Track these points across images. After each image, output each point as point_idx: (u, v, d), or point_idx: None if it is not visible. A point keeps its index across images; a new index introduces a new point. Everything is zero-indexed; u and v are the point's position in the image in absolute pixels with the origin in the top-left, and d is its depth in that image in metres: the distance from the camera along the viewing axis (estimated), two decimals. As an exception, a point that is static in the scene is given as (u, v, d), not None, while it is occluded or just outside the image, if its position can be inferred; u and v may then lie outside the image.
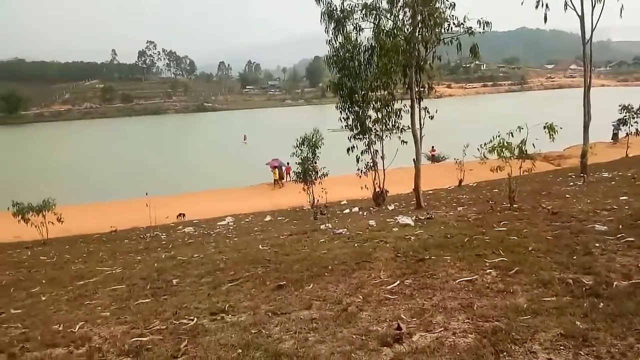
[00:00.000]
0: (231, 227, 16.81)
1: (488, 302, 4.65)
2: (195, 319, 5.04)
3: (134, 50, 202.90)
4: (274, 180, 32.18)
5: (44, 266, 11.20)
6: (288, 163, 32.44)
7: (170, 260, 9.10)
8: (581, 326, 3.86)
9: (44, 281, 8.63)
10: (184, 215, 22.94)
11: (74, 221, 18.22)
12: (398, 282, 5.51)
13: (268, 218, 18.64)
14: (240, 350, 4.03)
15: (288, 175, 32.87)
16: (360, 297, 5.16)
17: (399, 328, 4.05)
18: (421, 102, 15.56)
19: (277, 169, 32.44)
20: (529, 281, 5.14)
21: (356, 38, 16.97)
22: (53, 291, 7.52)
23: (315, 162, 21.18)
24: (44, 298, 7.12)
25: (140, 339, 4.60)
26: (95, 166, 46.63)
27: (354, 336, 4.13)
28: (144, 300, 6.18)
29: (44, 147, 70.26)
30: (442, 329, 4.12)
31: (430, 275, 5.64)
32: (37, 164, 49.88)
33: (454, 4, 14.70)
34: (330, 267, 6.53)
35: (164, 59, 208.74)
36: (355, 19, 16.45)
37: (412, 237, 7.93)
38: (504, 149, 10.94)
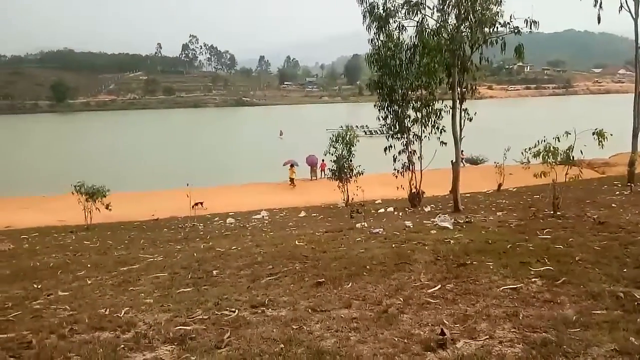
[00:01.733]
0: (266, 221, 16.97)
1: (534, 312, 4.53)
2: (237, 310, 5.10)
3: (178, 44, 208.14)
4: (290, 179, 31.66)
5: (89, 251, 11.63)
6: (323, 160, 32.45)
7: (209, 251, 9.26)
8: (636, 343, 3.70)
9: (89, 265, 8.93)
10: (201, 203, 23.20)
11: (115, 208, 18.78)
12: (439, 286, 5.43)
13: (302, 214, 18.71)
14: (282, 346, 4.05)
15: (323, 172, 32.86)
16: (401, 299, 5.11)
17: (442, 333, 3.99)
18: (463, 103, 15.29)
19: (292, 167, 32.08)
20: (577, 292, 4.97)
21: (398, 36, 16.83)
22: (98, 275, 7.77)
23: (351, 160, 21.20)
24: (89, 282, 7.36)
25: (184, 327, 4.69)
26: (137, 156, 48.06)
27: (396, 339, 4.09)
28: (185, 289, 6.30)
29: (91, 135, 72.98)
30: (487, 337, 4.03)
31: (472, 281, 5.53)
32: (83, 152, 51.81)
33: (501, 0, 14.35)
34: (368, 266, 6.51)
35: (206, 53, 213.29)
36: (399, 17, 16.31)
37: (452, 241, 7.80)
38: (550, 154, 10.63)
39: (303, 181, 33.04)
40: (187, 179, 23.39)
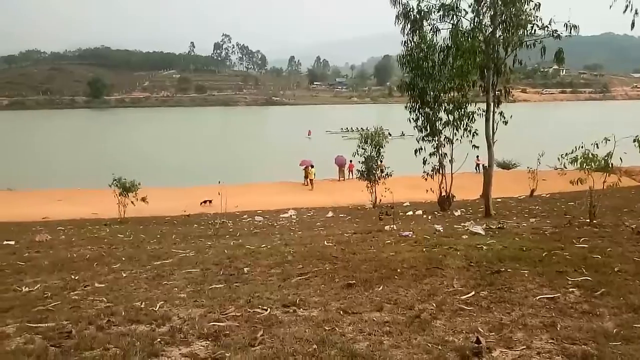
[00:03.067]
0: (294, 221, 17.05)
1: (572, 323, 4.41)
2: (269, 309, 5.14)
3: (210, 43, 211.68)
4: (309, 180, 31.19)
5: (123, 244, 11.90)
6: (351, 160, 32.42)
7: (239, 248, 9.35)
8: (681, 359, 3.56)
9: (123, 258, 9.15)
10: (210, 201, 23.47)
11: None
12: (473, 292, 5.35)
13: (330, 214, 18.71)
14: (315, 346, 4.06)
15: (351, 173, 32.82)
16: (434, 304, 5.06)
17: (478, 341, 3.91)
18: (497, 106, 15.07)
19: (311, 168, 31.56)
20: (617, 305, 4.82)
21: (432, 38, 16.70)
22: (132, 269, 7.94)
23: (381, 161, 21.13)
24: (124, 274, 7.53)
25: (218, 323, 4.76)
26: (169, 152, 49.03)
27: (430, 345, 4.05)
28: (217, 286, 6.38)
29: (124, 131, 74.91)
30: (524, 347, 3.95)
31: (507, 288, 5.42)
32: (115, 147, 53.18)
33: (539, 4, 14.06)
34: (399, 270, 6.46)
35: (237, 52, 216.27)
36: (433, 19, 16.17)
37: (484, 247, 7.67)
38: (588, 161, 10.34)
39: (331, 181, 33.06)
40: (216, 176, 23.69)
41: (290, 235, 11.85)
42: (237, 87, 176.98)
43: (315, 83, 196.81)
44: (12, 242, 12.62)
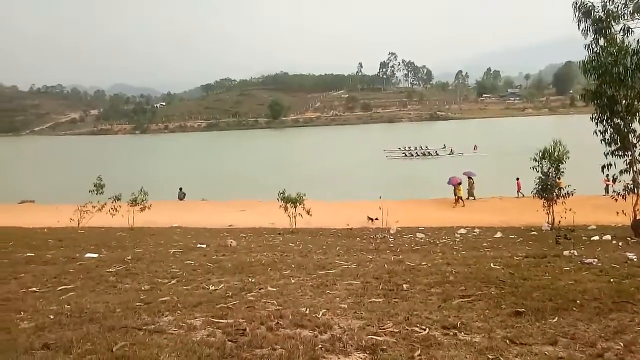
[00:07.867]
0: (457, 239, 16.38)
1: None
2: (427, 329, 5.04)
3: (377, 62, 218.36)
4: (459, 197, 29.53)
5: (293, 252, 12.82)
6: (518, 178, 30.17)
7: (399, 264, 9.34)
8: None
9: (293, 265, 9.83)
10: (376, 219, 23.50)
11: (315, 215, 20.43)
12: (674, 335, 4.50)
13: (498, 235, 17.51)
14: (476, 374, 3.86)
15: (520, 192, 30.41)
16: (621, 344, 4.39)
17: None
18: None
19: (459, 185, 29.78)
20: None
21: (622, 40, 14.74)
22: (300, 276, 8.49)
23: (559, 178, 19.16)
24: (293, 281, 8.08)
25: (375, 337, 4.81)
26: (332, 167, 51.67)
27: (615, 390, 3.53)
28: (376, 300, 6.47)
29: (297, 148, 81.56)
30: None
31: None
32: (289, 163, 57.96)
33: None
34: (578, 301, 5.77)
35: (403, 69, 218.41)
36: (624, 18, 14.25)
37: (693, 282, 6.40)
38: None
39: (484, 200, 30.92)
40: (378, 191, 24.08)
41: (453, 255, 11.43)
42: (402, 103, 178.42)
43: (484, 95, 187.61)
44: (204, 246, 14.47)
